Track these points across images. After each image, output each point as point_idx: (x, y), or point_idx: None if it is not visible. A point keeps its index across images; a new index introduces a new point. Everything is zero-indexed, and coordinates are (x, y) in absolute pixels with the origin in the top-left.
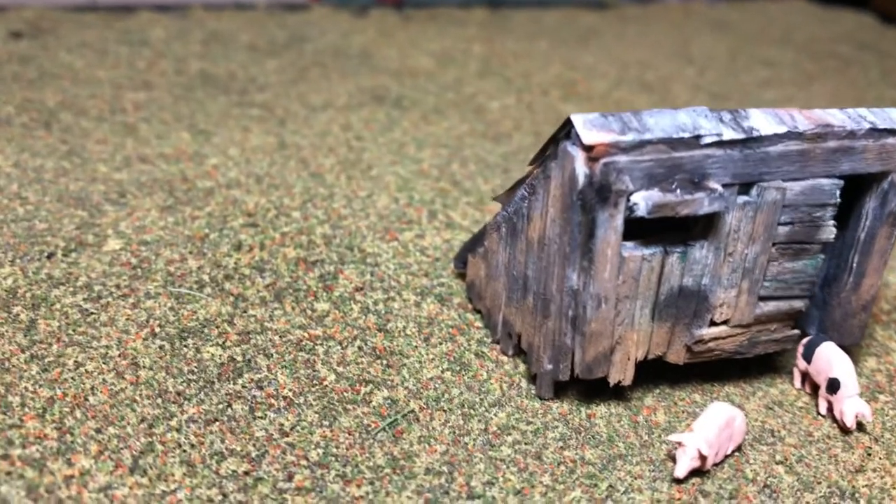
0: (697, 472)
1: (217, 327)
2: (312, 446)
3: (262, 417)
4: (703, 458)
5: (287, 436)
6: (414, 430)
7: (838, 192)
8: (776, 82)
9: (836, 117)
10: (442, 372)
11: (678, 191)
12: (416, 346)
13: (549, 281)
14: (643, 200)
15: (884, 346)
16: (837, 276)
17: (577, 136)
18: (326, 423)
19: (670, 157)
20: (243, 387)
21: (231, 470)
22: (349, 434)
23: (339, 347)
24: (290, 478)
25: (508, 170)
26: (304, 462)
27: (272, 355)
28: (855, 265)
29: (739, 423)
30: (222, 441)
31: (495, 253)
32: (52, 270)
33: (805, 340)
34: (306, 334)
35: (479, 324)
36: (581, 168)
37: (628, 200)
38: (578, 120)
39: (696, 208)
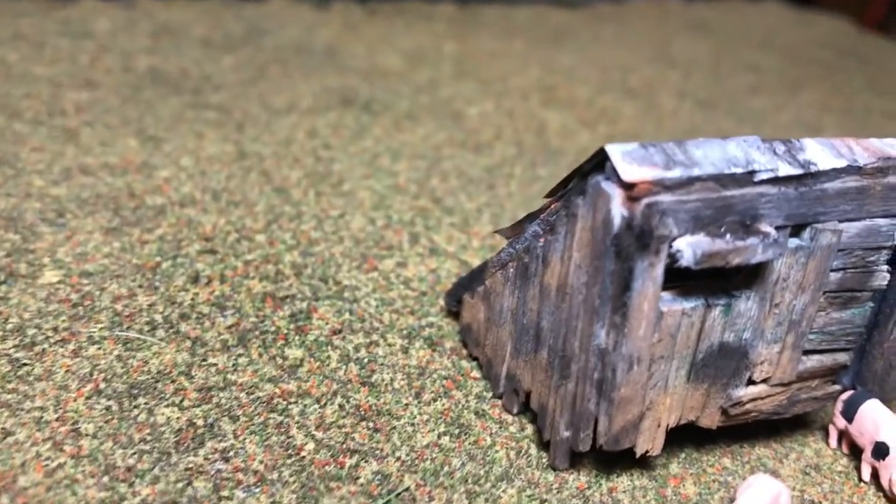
0: None
1: (173, 381)
2: None
3: (228, 499)
4: None
5: None
6: None
7: (895, 234)
8: (763, 89)
9: (895, 148)
10: (439, 437)
11: (728, 236)
12: (406, 404)
13: (571, 337)
14: (689, 248)
15: None
16: (881, 324)
17: (615, 170)
18: None
19: (720, 196)
20: (206, 458)
21: None
22: None
23: (316, 406)
24: None
25: (493, 185)
26: None
27: (238, 418)
28: None
29: (785, 499)
30: None
31: (499, 296)
32: None
33: (845, 396)
34: (278, 390)
35: (476, 374)
36: (618, 209)
37: (670, 247)
38: (615, 152)
39: (749, 256)
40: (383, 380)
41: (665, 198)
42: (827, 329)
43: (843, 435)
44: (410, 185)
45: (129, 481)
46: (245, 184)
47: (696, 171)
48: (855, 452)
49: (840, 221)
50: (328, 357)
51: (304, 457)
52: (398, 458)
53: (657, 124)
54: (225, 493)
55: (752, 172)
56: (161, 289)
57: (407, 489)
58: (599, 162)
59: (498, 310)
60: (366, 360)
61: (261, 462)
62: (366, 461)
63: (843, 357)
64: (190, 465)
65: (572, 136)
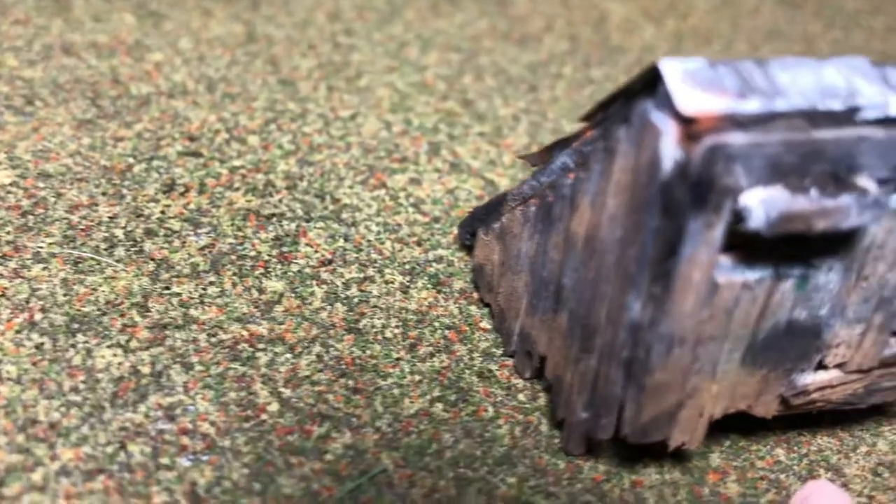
0: None
1: (122, 315)
2: None
3: (168, 467)
4: None
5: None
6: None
7: None
8: None
9: None
10: (431, 404)
11: (813, 191)
12: (397, 359)
13: (598, 303)
14: (762, 206)
15: None
16: None
17: (669, 96)
18: (258, 485)
19: (809, 138)
20: (147, 416)
21: None
22: None
23: (289, 356)
24: None
25: (536, 87)
26: None
27: (193, 366)
28: None
29: None
30: None
31: (517, 237)
32: None
33: None
34: (246, 332)
35: (486, 324)
36: (670, 150)
37: (735, 202)
38: (672, 70)
39: (839, 220)
40: (373, 326)
41: (736, 138)
42: None
43: None
44: (439, 82)
45: (49, 441)
46: (248, 73)
47: (779, 104)
48: None
49: None
50: (312, 294)
51: (264, 420)
52: (378, 430)
53: (733, 23)
54: (164, 460)
55: (855, 109)
56: (128, 197)
57: (383, 471)
58: (650, 82)
59: (515, 254)
60: (356, 301)
61: (212, 424)
62: (338, 431)
63: None
64: (126, 424)
65: (636, 31)
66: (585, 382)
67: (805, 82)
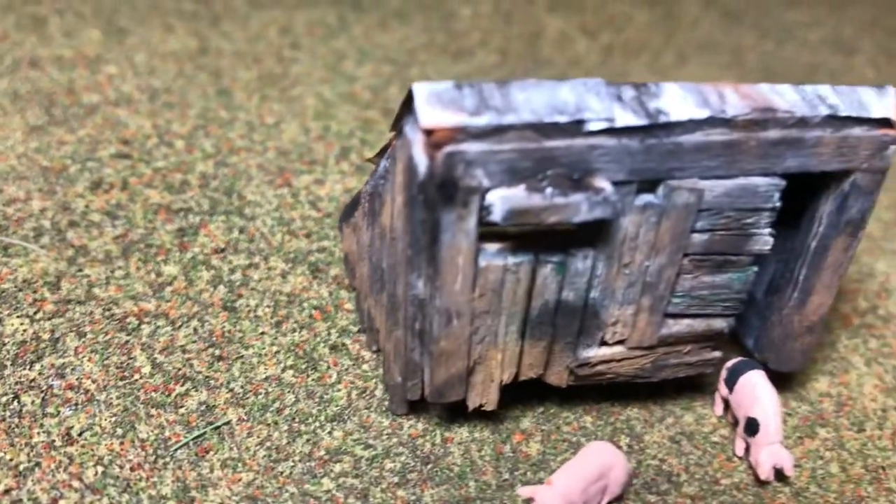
0: None
1: (35, 292)
2: (93, 462)
3: (52, 415)
4: None
5: (71, 444)
6: (223, 450)
7: (777, 195)
8: (805, 0)
9: (786, 98)
10: (283, 371)
11: (548, 191)
12: (262, 333)
13: (398, 283)
14: (500, 203)
15: (844, 360)
16: (781, 288)
17: (416, 114)
18: (121, 430)
19: (540, 146)
20: (40, 374)
21: None
22: (142, 449)
23: (169, 328)
24: (53, 503)
25: None
26: (76, 483)
27: (86, 334)
28: (801, 279)
29: (617, 473)
30: None
31: (361, 230)
32: None
33: (731, 363)
34: (136, 308)
35: (350, 305)
36: (421, 156)
37: (483, 199)
38: (421, 92)
39: (570, 215)
40: (248, 306)
41: (472, 146)
42: (696, 293)
43: (728, 404)
44: (365, 92)
45: None
46: (190, 84)
47: (509, 119)
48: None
49: (703, 179)
50: (199, 277)
51: (136, 380)
52: (230, 390)
53: (668, 36)
54: (51, 409)
55: (581, 122)
56: (59, 193)
57: (227, 423)
58: (409, 101)
59: (362, 243)
60: (237, 284)
61: (94, 381)
62: (196, 390)
63: (719, 323)
64: (22, 379)
65: (568, 45)
66: (398, 351)
67: (538, 100)
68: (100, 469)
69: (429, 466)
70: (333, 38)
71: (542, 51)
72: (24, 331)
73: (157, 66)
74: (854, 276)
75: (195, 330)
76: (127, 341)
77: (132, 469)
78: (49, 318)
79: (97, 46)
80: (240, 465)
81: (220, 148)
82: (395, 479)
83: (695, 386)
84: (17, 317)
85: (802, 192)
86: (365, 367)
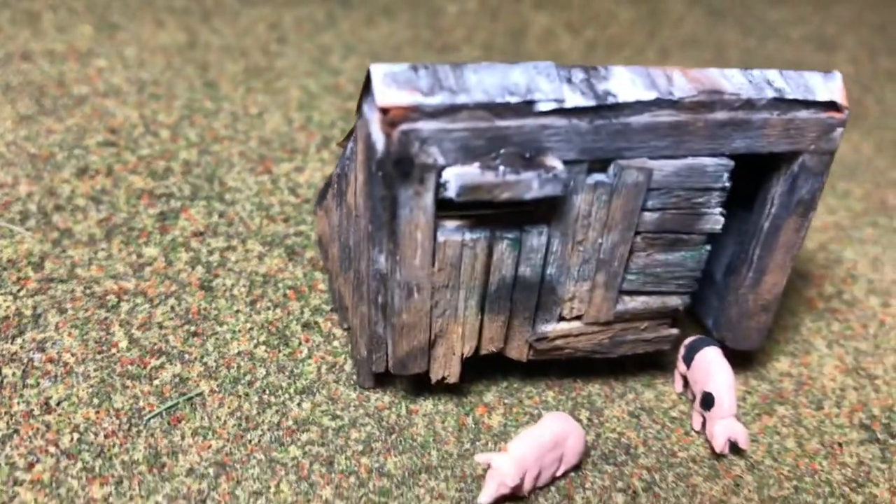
0: (514, 498)
1: (19, 271)
2: (70, 430)
3: (32, 386)
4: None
5: (49, 412)
6: (194, 419)
7: (727, 175)
8: None
9: (733, 81)
10: (255, 346)
11: (501, 168)
12: (237, 311)
13: (362, 259)
14: (454, 179)
15: (807, 342)
16: (737, 269)
17: (373, 93)
18: (97, 401)
19: (492, 125)
20: (21, 347)
21: None
22: (116, 417)
23: (147, 306)
24: (30, 467)
25: None
26: (52, 449)
27: (67, 311)
28: (755, 259)
29: (573, 443)
30: None
31: (331, 211)
32: None
33: (688, 340)
34: (116, 287)
35: (324, 286)
36: (378, 134)
37: (440, 176)
38: (378, 73)
39: (521, 192)
40: (224, 285)
41: (426, 125)
42: (650, 271)
43: (686, 381)
44: (348, 85)
45: None
46: (178, 77)
47: (462, 99)
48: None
49: (652, 159)
50: (178, 258)
51: (114, 354)
52: (204, 364)
53: (651, 33)
54: (31, 380)
55: (531, 102)
56: (45, 179)
57: (199, 394)
58: (368, 81)
59: (333, 225)
60: (215, 265)
61: (73, 355)
62: (170, 363)
63: (674, 300)
64: (3, 352)
65: (552, 41)
66: (363, 325)
67: (490, 81)
68: (76, 436)
69: (393, 436)
70: (320, 34)
71: (526, 46)
72: (7, 307)
73: (146, 59)
74: (821, 263)
75: (172, 308)
76: (106, 318)
77: (106, 436)
78: (32, 296)
79: (89, 41)
80: (210, 433)
81: (204, 137)
82: (360, 448)
83: (656, 364)
84: (1, 294)
85: (757, 174)
86: (335, 343)
